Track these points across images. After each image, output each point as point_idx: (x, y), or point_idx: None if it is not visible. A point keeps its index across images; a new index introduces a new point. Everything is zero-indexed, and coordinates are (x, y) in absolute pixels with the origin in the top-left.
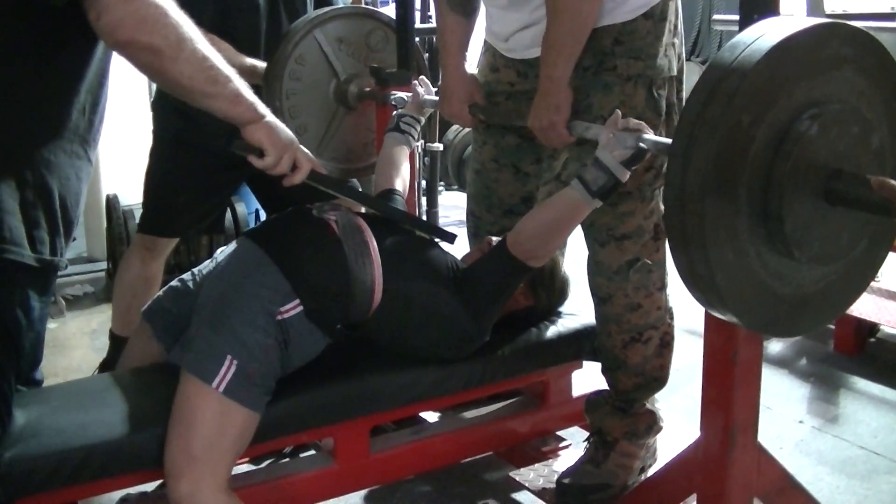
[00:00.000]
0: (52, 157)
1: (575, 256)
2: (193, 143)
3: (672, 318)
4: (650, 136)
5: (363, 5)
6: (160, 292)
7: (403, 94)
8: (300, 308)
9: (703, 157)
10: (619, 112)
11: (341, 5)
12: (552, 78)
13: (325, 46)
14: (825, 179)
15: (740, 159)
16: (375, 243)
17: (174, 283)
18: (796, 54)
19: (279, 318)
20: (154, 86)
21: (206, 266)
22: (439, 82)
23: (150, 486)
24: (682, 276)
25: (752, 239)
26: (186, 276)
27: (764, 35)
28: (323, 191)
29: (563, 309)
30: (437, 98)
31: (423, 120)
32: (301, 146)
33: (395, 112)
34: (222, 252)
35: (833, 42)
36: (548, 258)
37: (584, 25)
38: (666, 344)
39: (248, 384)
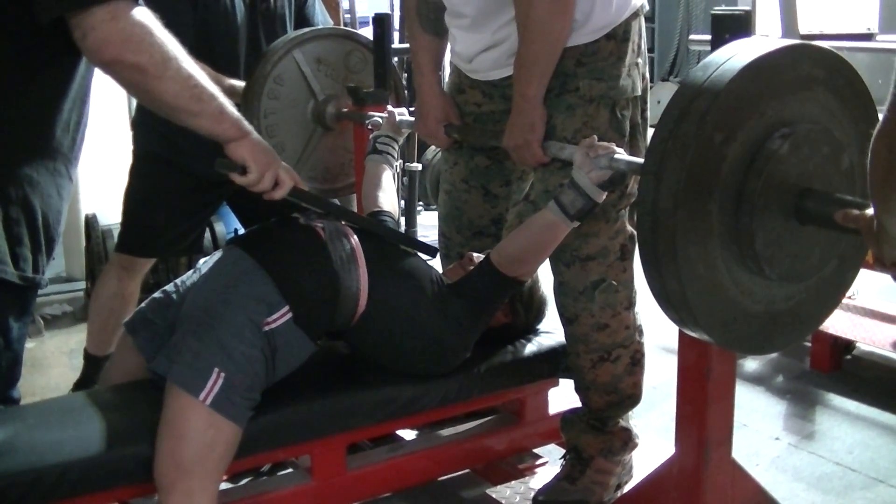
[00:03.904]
0: (35, 175)
1: (548, 274)
2: (172, 163)
3: (642, 336)
4: (623, 156)
5: (342, 26)
6: (142, 304)
7: (379, 117)
8: (289, 315)
9: (675, 174)
10: (595, 136)
11: (321, 26)
12: (526, 97)
13: (304, 66)
14: (796, 198)
15: (712, 177)
16: (362, 250)
17: (157, 294)
18: (768, 74)
19: (266, 328)
20: (134, 104)
21: (189, 277)
22: (415, 102)
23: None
24: (653, 293)
25: (724, 256)
26: (169, 287)
27: (736, 55)
28: (304, 208)
29: (539, 327)
30: (412, 118)
31: (400, 139)
32: (283, 163)
33: (371, 135)
34: (205, 262)
35: (804, 63)
36: (534, 274)
37: (555, 43)
38: (636, 362)
39: (235, 397)
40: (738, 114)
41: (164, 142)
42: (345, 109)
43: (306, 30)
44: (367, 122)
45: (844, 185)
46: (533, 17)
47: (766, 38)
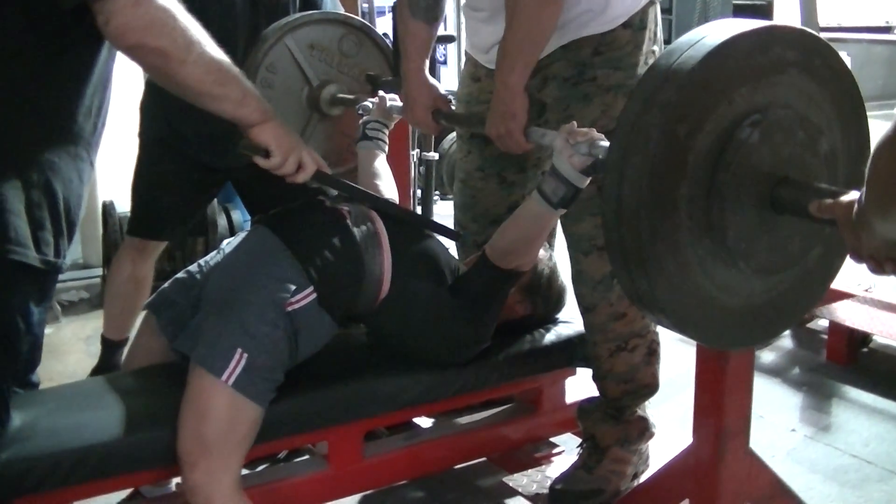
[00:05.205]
0: (57, 160)
1: (566, 264)
2: (175, 147)
3: (657, 325)
4: (604, 142)
5: (358, 16)
6: (165, 285)
7: (369, 102)
8: (313, 296)
9: (638, 170)
10: (574, 122)
11: (312, 12)
12: (507, 84)
13: (297, 53)
14: (770, 187)
15: (677, 171)
16: (386, 235)
17: (180, 275)
18: (735, 59)
19: (289, 309)
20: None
21: (213, 257)
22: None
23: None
24: (624, 292)
25: (696, 252)
26: (193, 267)
27: (702, 39)
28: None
29: (558, 316)
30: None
31: (390, 124)
32: (307, 147)
33: (361, 121)
34: (229, 243)
35: (775, 45)
36: (532, 263)
37: (542, 31)
38: (653, 352)
39: (257, 378)
40: (703, 103)
41: (168, 128)
42: (340, 95)
43: (297, 15)
44: (357, 107)
45: (823, 171)
46: (521, 4)
47: (735, 21)
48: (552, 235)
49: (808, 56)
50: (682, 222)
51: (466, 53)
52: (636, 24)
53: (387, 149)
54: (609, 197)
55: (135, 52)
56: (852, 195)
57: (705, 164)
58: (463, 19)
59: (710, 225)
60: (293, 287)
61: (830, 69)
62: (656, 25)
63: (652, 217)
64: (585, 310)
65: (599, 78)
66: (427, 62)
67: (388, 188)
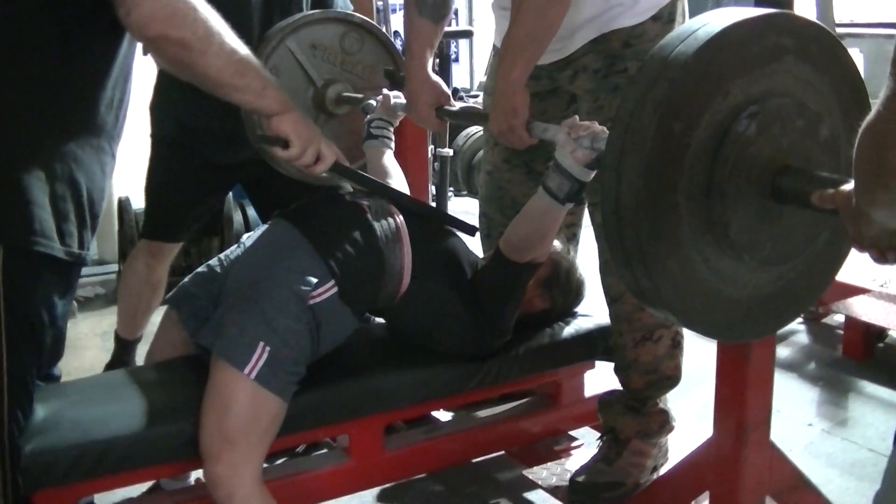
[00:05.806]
0: (80, 152)
1: (587, 256)
2: (187, 146)
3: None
4: (606, 136)
5: (373, 13)
6: (186, 279)
7: (372, 101)
8: (335, 290)
9: (634, 170)
10: (576, 116)
11: (312, 11)
12: (508, 80)
13: (299, 54)
14: (771, 178)
15: (675, 168)
16: (406, 230)
17: (200, 269)
18: (728, 51)
19: (311, 302)
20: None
21: (233, 251)
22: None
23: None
24: (630, 291)
25: (699, 247)
26: (213, 261)
27: (694, 32)
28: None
29: (577, 309)
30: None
31: (395, 121)
32: (325, 139)
33: (365, 119)
34: (249, 237)
35: (770, 34)
36: (547, 254)
37: (547, 29)
38: (677, 344)
39: (279, 371)
40: (698, 98)
41: (178, 127)
42: (345, 94)
43: (297, 16)
44: (360, 105)
45: (825, 158)
46: (527, 1)
47: (726, 11)
48: (578, 226)
49: (804, 42)
50: (682, 219)
51: (494, 47)
52: (665, 17)
53: (393, 145)
54: (607, 197)
55: (156, 44)
56: (852, 183)
57: (703, 160)
58: (476, 15)
59: (711, 220)
60: (314, 280)
61: (828, 54)
62: (684, 18)
63: (651, 216)
64: (612, 300)
65: (630, 69)
66: (431, 59)
67: (399, 184)
